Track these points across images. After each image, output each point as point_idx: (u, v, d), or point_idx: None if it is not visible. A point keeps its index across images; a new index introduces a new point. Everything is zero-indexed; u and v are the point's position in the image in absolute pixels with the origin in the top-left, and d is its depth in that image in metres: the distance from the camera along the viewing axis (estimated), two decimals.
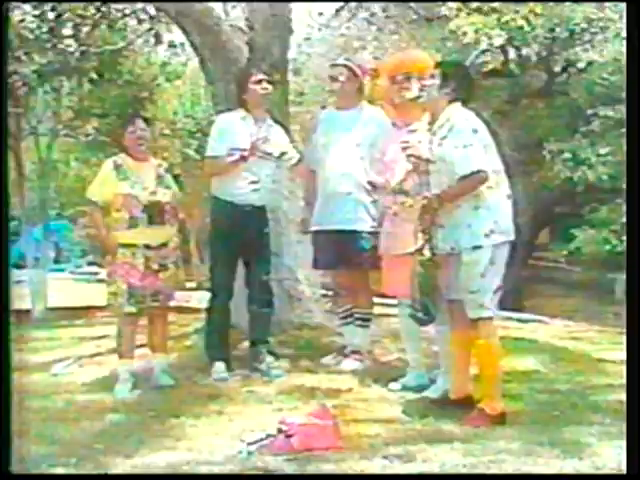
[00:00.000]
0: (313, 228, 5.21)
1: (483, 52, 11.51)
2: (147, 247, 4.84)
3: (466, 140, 3.96)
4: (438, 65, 4.31)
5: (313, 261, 5.32)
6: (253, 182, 4.97)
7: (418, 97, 4.46)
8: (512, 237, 4.12)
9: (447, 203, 4.05)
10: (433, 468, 3.32)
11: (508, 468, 3.31)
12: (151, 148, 5.24)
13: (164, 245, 4.91)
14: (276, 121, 5.19)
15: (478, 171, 3.94)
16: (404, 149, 4.32)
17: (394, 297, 4.84)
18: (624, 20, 10.85)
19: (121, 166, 4.91)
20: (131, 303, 4.82)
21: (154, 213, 4.86)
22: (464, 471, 3.29)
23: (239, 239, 5.00)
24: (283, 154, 5.08)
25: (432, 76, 4.19)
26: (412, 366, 4.75)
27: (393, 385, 4.64)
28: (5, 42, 3.42)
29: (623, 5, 9.83)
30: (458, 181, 3.97)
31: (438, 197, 4.08)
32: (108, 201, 4.90)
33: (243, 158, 4.90)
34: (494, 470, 3.29)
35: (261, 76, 5.01)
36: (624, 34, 11.05)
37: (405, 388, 4.60)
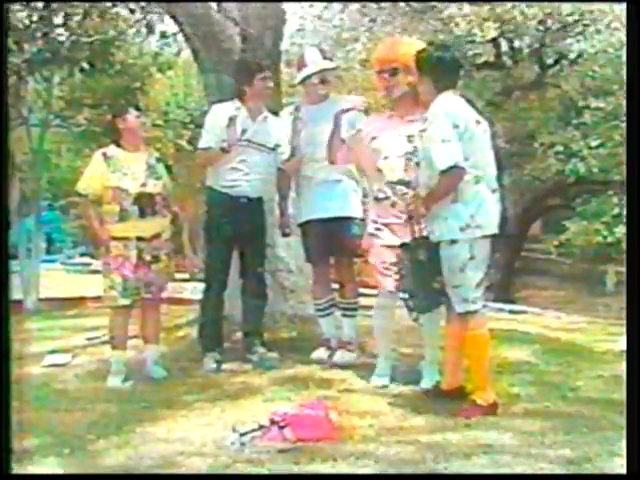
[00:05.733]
0: (304, 219, 5.19)
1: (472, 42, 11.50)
2: (140, 239, 4.83)
3: (445, 135, 3.93)
4: (418, 53, 4.22)
5: (305, 254, 5.30)
6: (247, 173, 4.97)
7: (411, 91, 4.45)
8: (493, 231, 4.08)
9: (432, 203, 4.04)
10: (426, 458, 3.34)
11: (500, 460, 3.32)
12: (143, 138, 5.22)
13: (157, 236, 4.90)
14: (272, 112, 5.17)
15: (455, 166, 3.93)
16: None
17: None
18: (615, 12, 10.87)
19: (111, 158, 4.89)
20: (124, 295, 4.82)
21: (145, 205, 4.84)
22: (457, 462, 3.31)
23: (234, 230, 4.99)
24: (277, 146, 5.07)
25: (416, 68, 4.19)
26: (382, 358, 4.69)
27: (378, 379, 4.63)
28: (5, 41, 3.41)
29: None
30: (438, 176, 3.97)
31: (422, 198, 4.08)
32: (99, 194, 4.88)
33: (223, 150, 4.90)
34: (486, 461, 3.31)
35: (268, 73, 5.01)
36: (614, 25, 11.08)
37: (393, 380, 4.59)
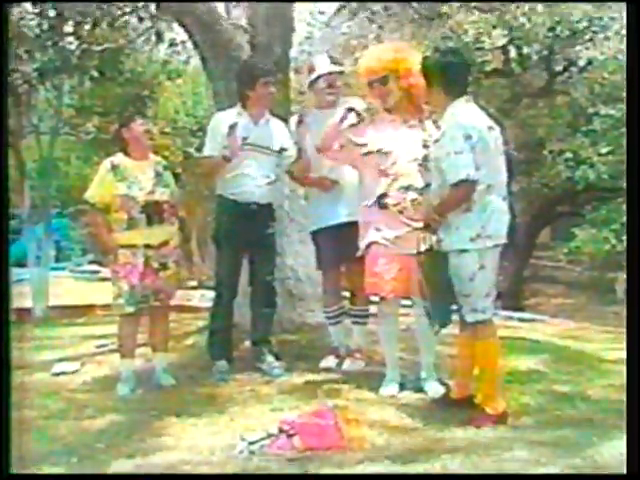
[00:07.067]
0: (315, 227, 5.17)
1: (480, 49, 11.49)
2: (147, 247, 4.83)
3: (457, 147, 3.90)
4: (425, 60, 4.18)
5: (317, 261, 5.27)
6: (255, 178, 4.96)
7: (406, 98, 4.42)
8: (502, 241, 4.05)
9: (443, 213, 4.02)
10: (435, 467, 3.32)
11: (510, 467, 3.30)
12: (152, 146, 5.23)
13: (164, 244, 4.90)
14: (276, 116, 5.16)
15: (466, 180, 3.90)
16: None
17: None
18: (625, 19, 10.84)
19: (118, 167, 4.90)
20: (130, 303, 4.81)
21: (152, 213, 4.85)
22: (466, 470, 3.29)
23: (244, 238, 4.97)
24: (283, 150, 5.06)
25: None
26: (390, 367, 4.67)
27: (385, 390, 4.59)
28: (5, 42, 3.41)
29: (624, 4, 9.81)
30: (449, 188, 3.95)
31: (434, 207, 4.06)
32: (106, 202, 4.89)
33: (225, 158, 4.89)
34: (496, 469, 3.28)
35: (270, 78, 4.99)
36: (624, 32, 11.04)
37: (402, 389, 4.57)
